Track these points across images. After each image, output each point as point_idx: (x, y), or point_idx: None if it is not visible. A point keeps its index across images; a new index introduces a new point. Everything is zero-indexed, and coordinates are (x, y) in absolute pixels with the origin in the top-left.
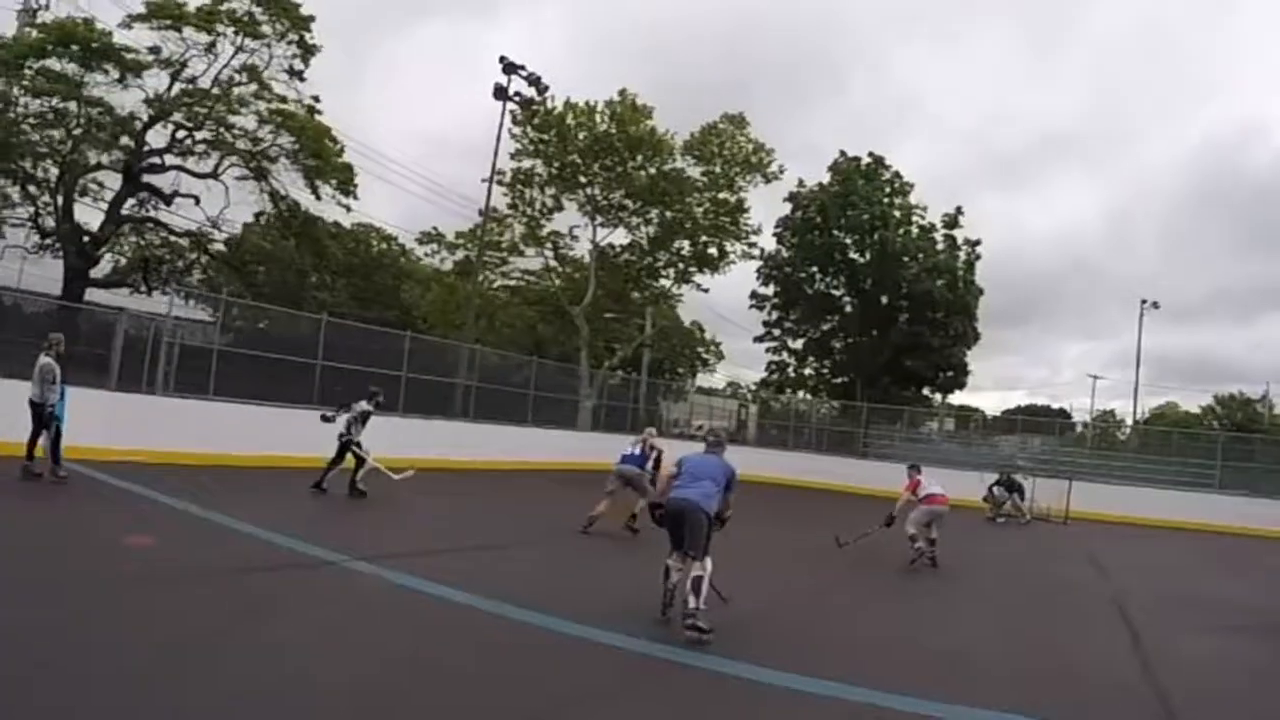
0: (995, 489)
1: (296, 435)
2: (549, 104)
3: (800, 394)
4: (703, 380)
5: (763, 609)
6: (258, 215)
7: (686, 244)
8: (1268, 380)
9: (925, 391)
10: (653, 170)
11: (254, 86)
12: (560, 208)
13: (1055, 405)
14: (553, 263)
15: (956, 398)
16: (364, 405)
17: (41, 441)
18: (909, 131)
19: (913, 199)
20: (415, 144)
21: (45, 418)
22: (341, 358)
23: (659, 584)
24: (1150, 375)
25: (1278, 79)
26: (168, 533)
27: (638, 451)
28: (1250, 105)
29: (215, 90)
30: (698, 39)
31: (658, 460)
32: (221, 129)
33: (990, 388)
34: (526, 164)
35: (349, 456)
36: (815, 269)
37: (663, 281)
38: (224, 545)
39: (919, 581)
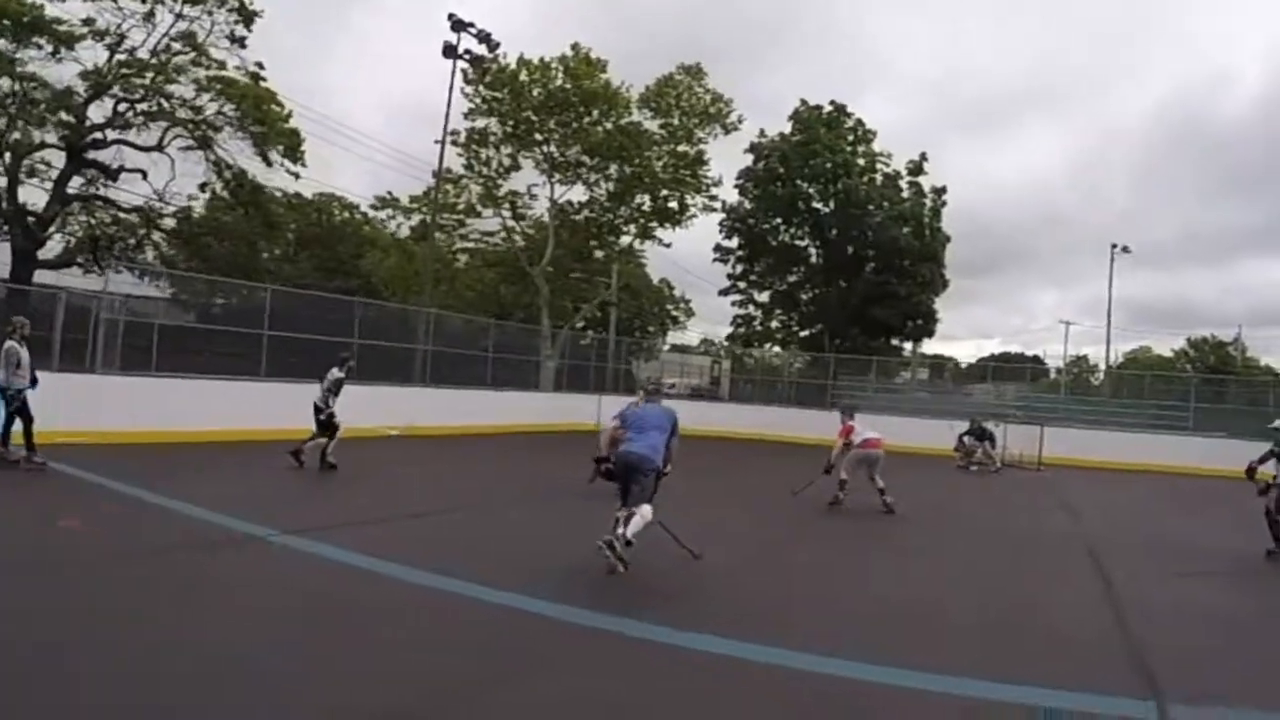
0: (966, 438)
1: (244, 408)
2: (501, 61)
3: (772, 348)
4: (677, 338)
5: (719, 568)
6: (202, 186)
7: (646, 199)
8: (1240, 323)
9: (895, 341)
10: (609, 125)
11: (192, 54)
12: (518, 166)
13: (1029, 353)
14: (510, 222)
15: (930, 347)
16: (336, 372)
17: (16, 427)
18: (876, 85)
19: (876, 147)
20: (383, 113)
21: (11, 402)
22: (291, 327)
23: (600, 546)
24: (1124, 320)
25: (1245, 26)
26: (100, 514)
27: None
28: (1218, 52)
29: (153, 61)
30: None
31: None
32: (160, 99)
33: (965, 337)
34: (481, 123)
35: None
36: (779, 220)
37: (624, 238)
38: (156, 525)
39: (885, 534)
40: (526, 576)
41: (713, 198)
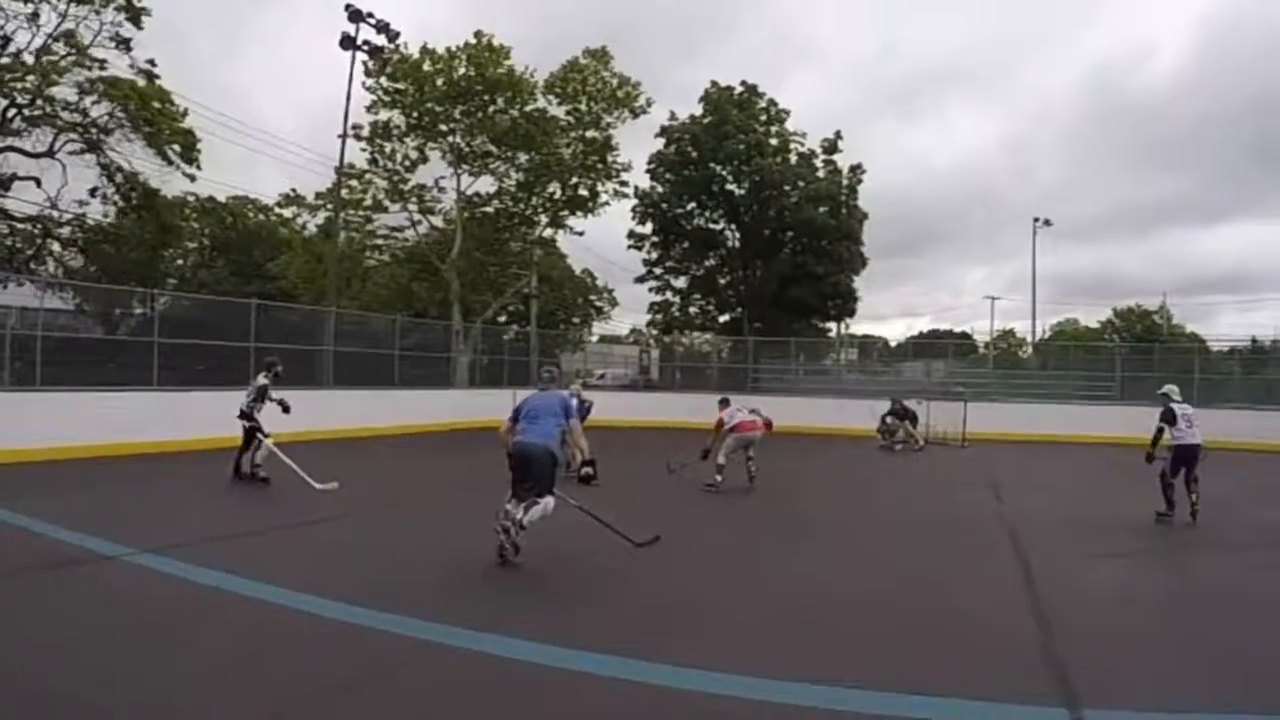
0: (887, 418)
1: (137, 418)
2: (404, 51)
3: (700, 334)
4: (606, 328)
5: (606, 570)
6: (92, 191)
7: (557, 187)
8: (1164, 291)
9: (817, 322)
10: (515, 113)
11: (74, 54)
12: (425, 159)
13: (958, 330)
14: (417, 217)
15: (861, 328)
16: (261, 379)
17: None
18: (802, 69)
19: (790, 126)
20: (298, 112)
21: None
22: (186, 334)
23: (496, 530)
24: (1054, 294)
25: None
26: None
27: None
28: (1137, 25)
29: (35, 63)
30: None
31: (586, 411)
32: (41, 102)
33: (895, 316)
34: (384, 116)
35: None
36: (693, 204)
37: (536, 229)
38: (7, 546)
39: (790, 520)
40: (386, 589)
41: (624, 183)
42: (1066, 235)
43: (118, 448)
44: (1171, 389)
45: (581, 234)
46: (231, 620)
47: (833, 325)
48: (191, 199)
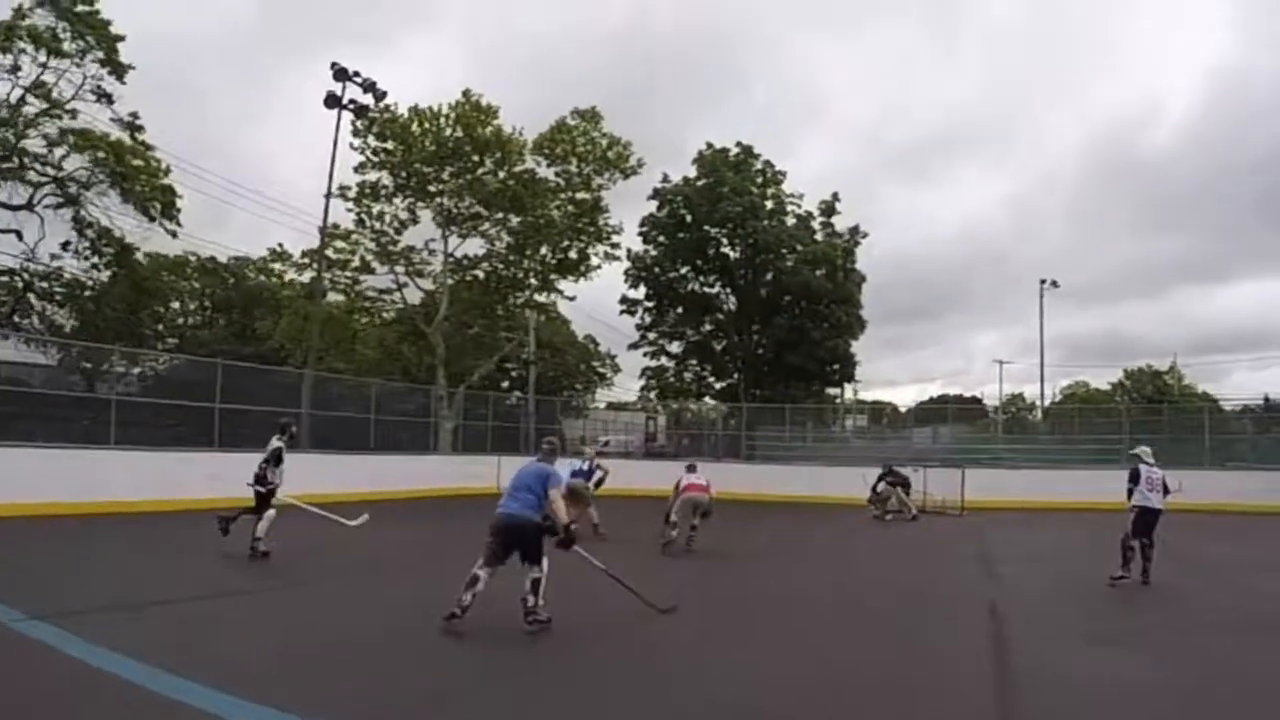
0: (879, 486)
1: (94, 476)
2: (393, 110)
3: (708, 402)
4: (612, 395)
5: (550, 650)
6: (65, 245)
7: (547, 250)
8: (1175, 351)
9: (819, 387)
10: (503, 173)
11: (46, 106)
12: (415, 220)
13: (968, 394)
14: (403, 279)
15: (873, 393)
16: (275, 441)
17: None
18: (812, 131)
19: (789, 188)
20: (312, 176)
21: None
22: (149, 393)
23: (460, 591)
24: (1065, 357)
25: (1168, 56)
26: None
27: (586, 467)
28: (1143, 84)
29: (9, 115)
30: (589, 45)
31: (601, 480)
32: (15, 155)
33: (907, 381)
34: (373, 176)
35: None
36: (687, 268)
37: (528, 292)
38: None
39: (760, 594)
40: (261, 677)
41: (615, 246)
42: (1076, 296)
43: (63, 507)
44: (1144, 450)
45: (573, 299)
46: (75, 699)
47: (835, 390)
48: (193, 259)
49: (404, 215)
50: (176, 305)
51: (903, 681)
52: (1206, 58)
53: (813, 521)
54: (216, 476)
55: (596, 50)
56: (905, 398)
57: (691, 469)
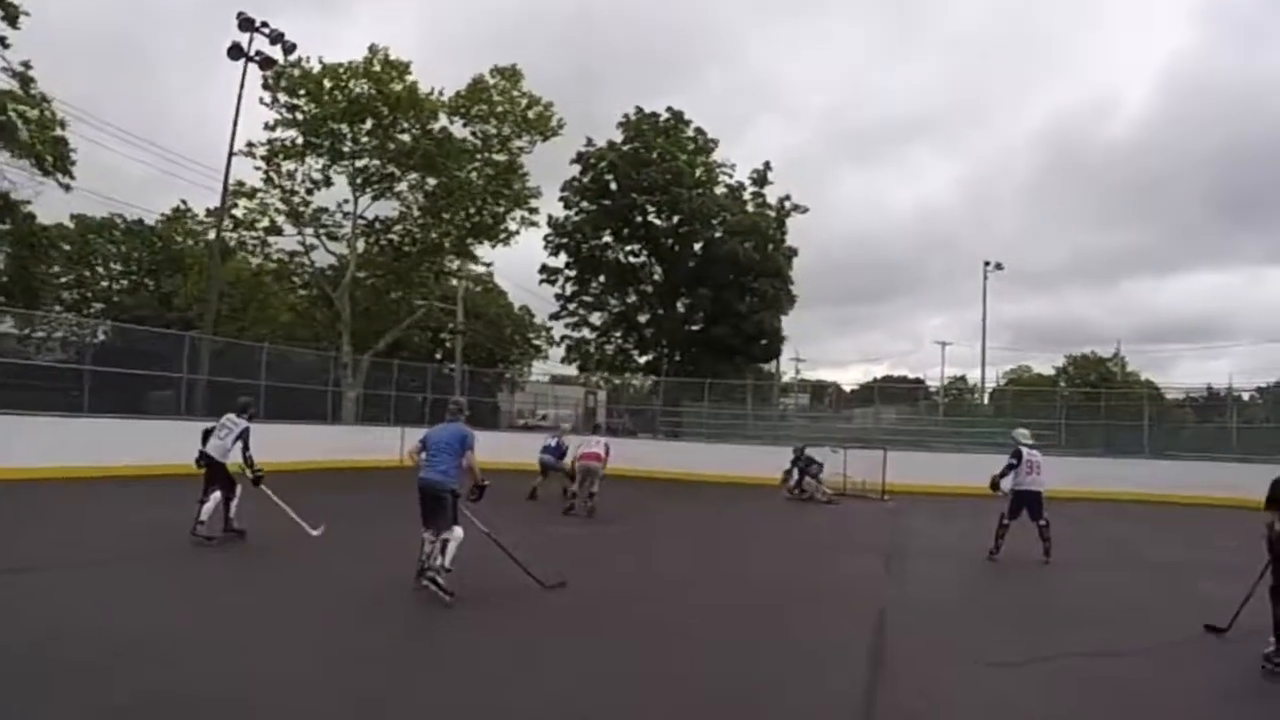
0: (795, 467)
1: None
2: (304, 65)
3: (632, 376)
4: (553, 368)
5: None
6: None
7: (463, 214)
8: (1119, 338)
9: (754, 364)
10: (417, 132)
11: None
12: (329, 182)
13: (913, 376)
14: (312, 240)
15: (820, 374)
16: (242, 422)
17: None
18: (768, 117)
19: (718, 157)
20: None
21: None
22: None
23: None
24: (1014, 342)
25: (1125, 53)
26: None
27: (554, 443)
28: (1100, 78)
29: None
30: (545, 31)
31: (563, 452)
32: None
33: (855, 362)
34: (285, 135)
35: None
36: (610, 235)
37: (441, 256)
38: None
39: (638, 585)
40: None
41: (533, 210)
42: (1026, 283)
43: None
44: (1022, 433)
45: (490, 265)
46: None
47: (768, 367)
48: (120, 220)
49: (316, 176)
50: (101, 269)
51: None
52: (1164, 54)
53: (727, 502)
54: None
55: (551, 34)
56: (853, 378)
57: (596, 430)
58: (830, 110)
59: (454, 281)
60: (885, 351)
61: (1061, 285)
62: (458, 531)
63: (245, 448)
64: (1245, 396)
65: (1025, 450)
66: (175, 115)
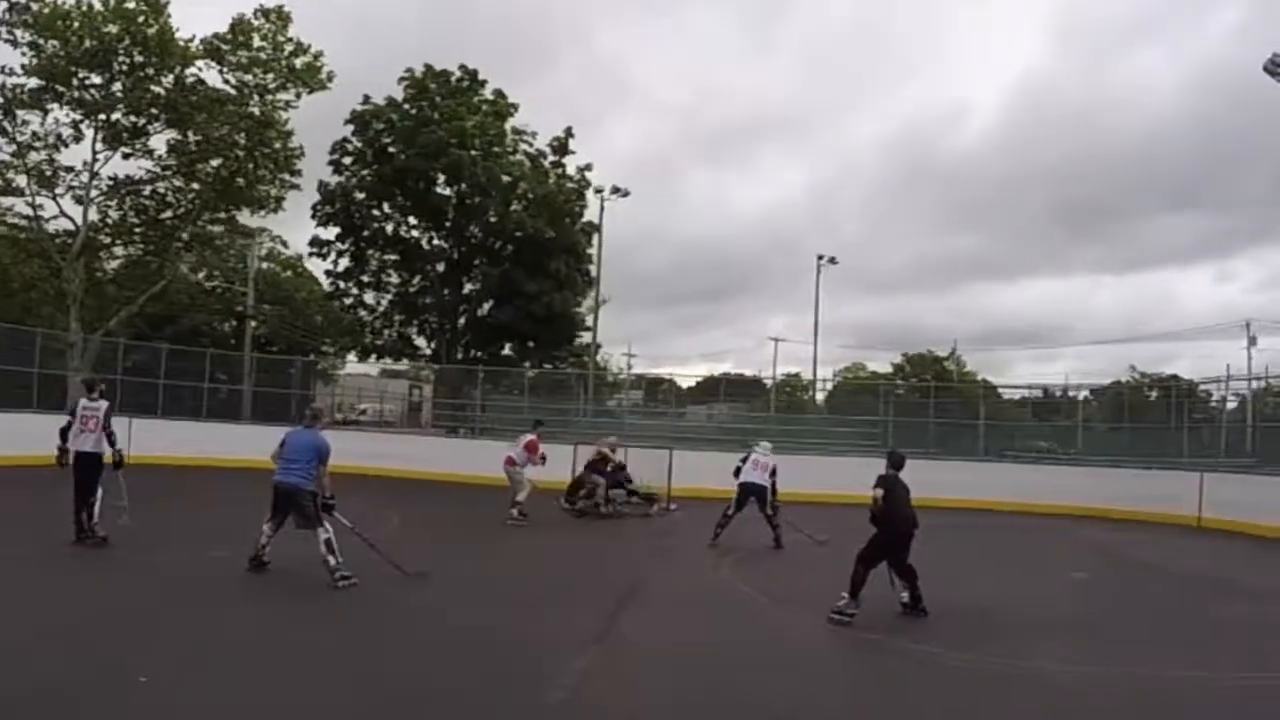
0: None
1: None
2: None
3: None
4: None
5: None
6: None
7: (209, 173)
8: (955, 338)
9: (553, 352)
10: (167, 79)
11: None
12: (79, 136)
13: (750, 374)
14: (41, 199)
15: (663, 370)
16: (99, 401)
17: None
18: (619, 111)
19: (518, 123)
20: None
21: None
22: None
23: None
24: (856, 343)
25: (977, 63)
26: None
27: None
28: (951, 88)
29: None
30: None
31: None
32: None
33: (698, 360)
34: (28, 82)
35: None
36: (387, 206)
37: (192, 219)
38: None
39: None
40: None
41: (295, 173)
42: (869, 286)
43: None
44: (764, 446)
45: (252, 235)
46: None
47: (568, 355)
48: None
49: (65, 132)
50: None
51: None
52: (1013, 67)
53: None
54: None
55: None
56: (696, 374)
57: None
58: (682, 109)
59: (250, 260)
60: (728, 349)
61: (904, 288)
62: (328, 528)
63: (101, 423)
64: (1080, 397)
65: (756, 453)
66: None
